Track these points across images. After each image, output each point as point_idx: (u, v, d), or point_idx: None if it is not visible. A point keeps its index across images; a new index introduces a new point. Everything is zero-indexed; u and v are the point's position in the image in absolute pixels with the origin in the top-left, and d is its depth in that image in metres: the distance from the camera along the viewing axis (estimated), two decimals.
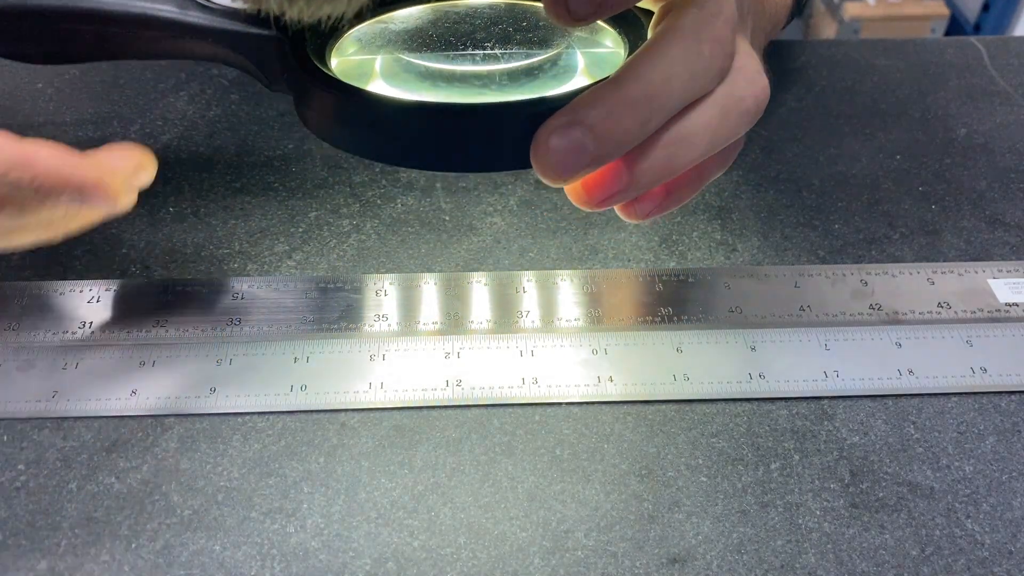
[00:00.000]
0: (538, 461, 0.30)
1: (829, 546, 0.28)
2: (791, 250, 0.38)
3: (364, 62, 0.24)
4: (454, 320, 0.34)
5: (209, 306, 0.34)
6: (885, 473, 0.30)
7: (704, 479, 0.29)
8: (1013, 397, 0.32)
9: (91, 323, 0.34)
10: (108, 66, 0.47)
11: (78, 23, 0.24)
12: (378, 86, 0.23)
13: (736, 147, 0.24)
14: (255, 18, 0.23)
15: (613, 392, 0.32)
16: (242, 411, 0.31)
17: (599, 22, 0.25)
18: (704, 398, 0.32)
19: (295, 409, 0.31)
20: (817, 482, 0.29)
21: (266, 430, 0.31)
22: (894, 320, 0.34)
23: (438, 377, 0.32)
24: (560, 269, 0.37)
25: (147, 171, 0.27)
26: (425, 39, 0.24)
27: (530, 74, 0.23)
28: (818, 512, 0.29)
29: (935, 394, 0.32)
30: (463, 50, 0.23)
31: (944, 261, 0.37)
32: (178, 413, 0.31)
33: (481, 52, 0.23)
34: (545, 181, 0.20)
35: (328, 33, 0.24)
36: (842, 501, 0.29)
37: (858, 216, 0.40)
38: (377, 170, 0.42)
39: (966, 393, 0.32)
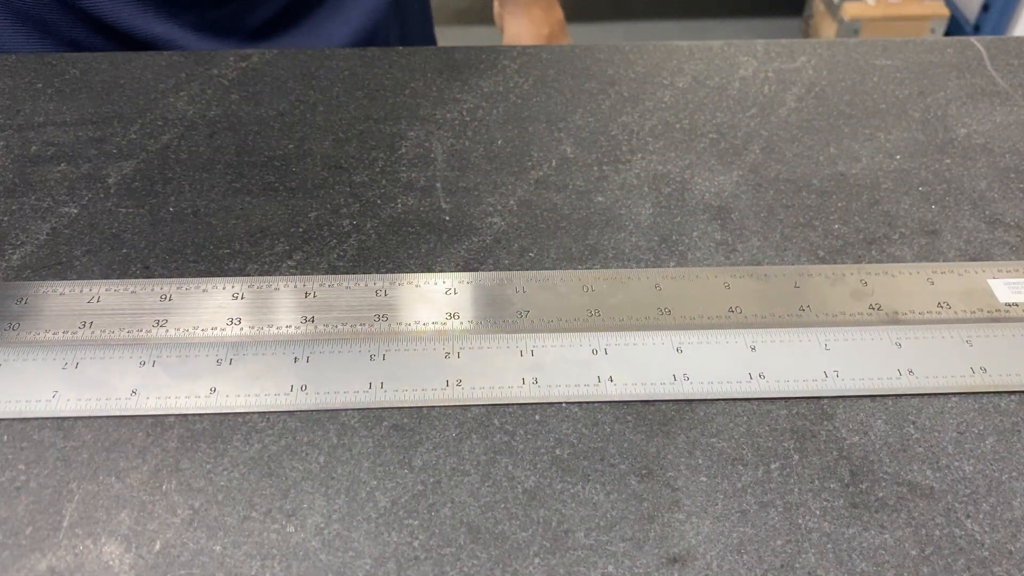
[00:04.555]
0: (538, 461, 0.30)
1: (829, 546, 0.28)
2: (791, 250, 0.38)
3: None
4: (454, 320, 0.34)
5: (209, 306, 0.34)
6: (885, 473, 0.30)
7: (704, 479, 0.29)
8: (1013, 397, 0.32)
9: (91, 323, 0.34)
10: (108, 66, 0.47)
11: None
12: None
13: None
14: None
15: (613, 392, 0.32)
16: (242, 411, 0.31)
17: None
18: (704, 398, 0.32)
19: (295, 409, 0.31)
20: (817, 482, 0.29)
21: (266, 430, 0.31)
22: (894, 320, 0.35)
23: (438, 377, 0.32)
24: (560, 269, 0.37)
25: None
26: None
27: None
28: (818, 512, 0.29)
29: (935, 394, 0.32)
30: None
31: (944, 261, 0.37)
32: (178, 413, 0.31)
33: None
34: None
35: None
36: (842, 501, 0.29)
37: (858, 216, 0.40)
38: (377, 170, 0.42)
39: (966, 393, 0.32)
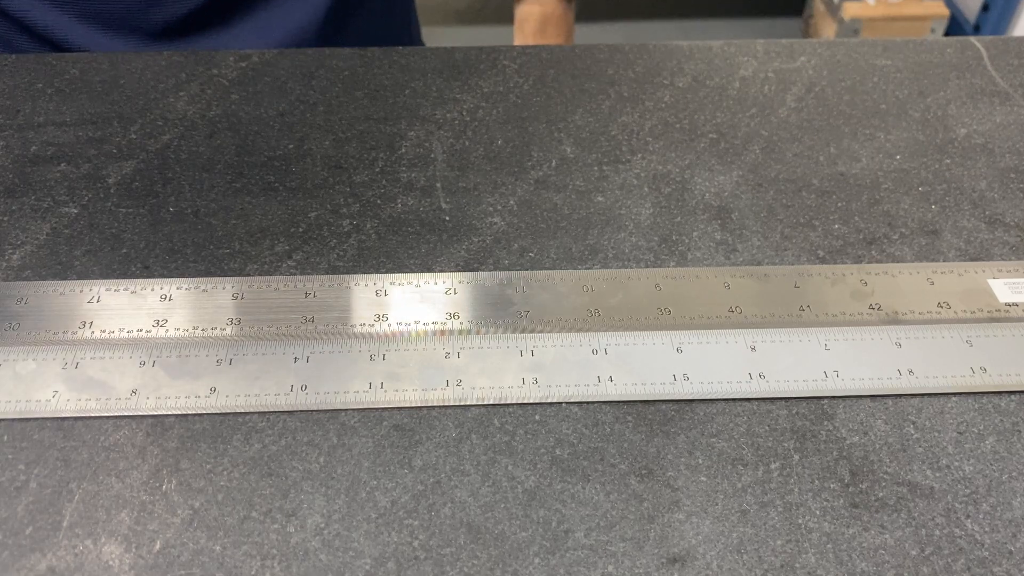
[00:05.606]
0: (538, 461, 0.30)
1: (829, 546, 0.28)
2: (791, 250, 0.38)
3: None
4: (454, 320, 0.34)
5: (208, 306, 0.34)
6: (885, 473, 0.30)
7: (704, 479, 0.29)
8: (1013, 397, 0.32)
9: (91, 323, 0.34)
10: (108, 66, 0.47)
11: None
12: None
13: None
14: None
15: (613, 392, 0.32)
16: (242, 411, 0.31)
17: None
18: (704, 398, 0.32)
19: (295, 409, 0.31)
20: (817, 482, 0.29)
21: (266, 430, 0.31)
22: (894, 320, 0.35)
23: (438, 377, 0.32)
24: (560, 269, 0.37)
25: None
26: None
27: None
28: (818, 512, 0.29)
29: (935, 394, 0.32)
30: None
31: (944, 261, 0.37)
32: (178, 413, 0.31)
33: None
34: None
35: None
36: (842, 501, 0.29)
37: (858, 216, 0.40)
38: (377, 170, 0.42)
39: (966, 393, 0.32)
